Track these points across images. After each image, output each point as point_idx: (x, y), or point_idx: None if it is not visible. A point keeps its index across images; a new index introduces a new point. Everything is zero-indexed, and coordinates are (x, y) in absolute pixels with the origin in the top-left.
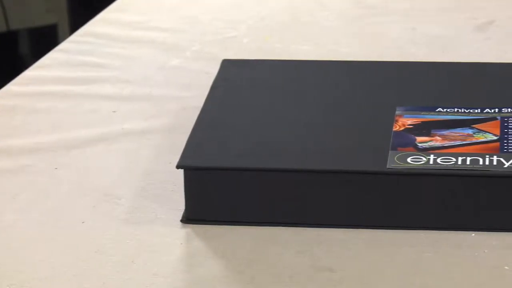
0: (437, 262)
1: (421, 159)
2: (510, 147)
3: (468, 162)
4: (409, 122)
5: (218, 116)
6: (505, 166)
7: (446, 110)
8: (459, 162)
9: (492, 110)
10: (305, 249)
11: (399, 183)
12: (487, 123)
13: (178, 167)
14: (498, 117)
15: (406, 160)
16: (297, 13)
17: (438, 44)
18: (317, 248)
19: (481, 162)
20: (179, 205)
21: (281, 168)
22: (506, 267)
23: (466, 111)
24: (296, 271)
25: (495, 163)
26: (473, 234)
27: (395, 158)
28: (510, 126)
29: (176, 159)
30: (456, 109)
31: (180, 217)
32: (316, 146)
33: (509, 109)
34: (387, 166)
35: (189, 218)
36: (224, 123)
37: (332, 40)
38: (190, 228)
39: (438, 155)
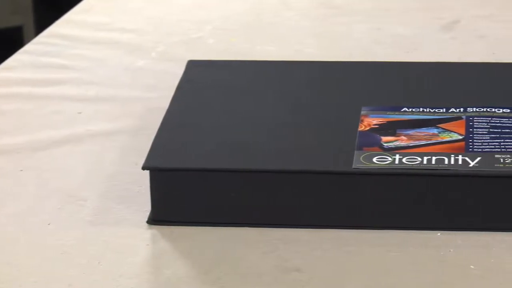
0: (403, 261)
1: (387, 159)
2: (475, 147)
3: (433, 162)
4: (374, 122)
5: (183, 117)
6: (470, 165)
7: (412, 110)
8: (425, 162)
9: (457, 110)
10: (272, 249)
11: (365, 183)
12: (452, 122)
13: (144, 168)
14: (463, 117)
15: (372, 160)
16: (262, 14)
17: (403, 44)
18: (283, 249)
19: (446, 162)
20: (145, 207)
21: (246, 168)
22: (471, 266)
23: (432, 111)
24: (263, 272)
25: (460, 162)
26: (438, 234)
27: (361, 158)
28: (475, 126)
29: (142, 160)
30: (421, 109)
31: (146, 219)
32: (281, 147)
33: (474, 109)
34: (353, 166)
35: (155, 219)
36: (190, 124)
37: (297, 40)
38: (156, 229)
39: (404, 155)
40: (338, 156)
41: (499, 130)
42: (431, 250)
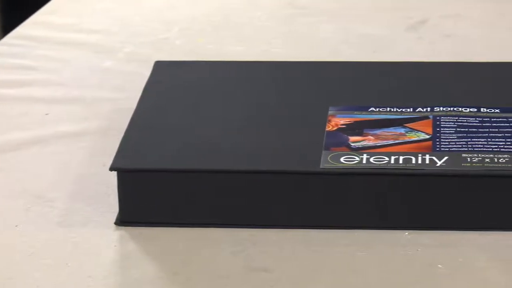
0: (371, 261)
1: (354, 158)
2: (442, 146)
3: (401, 161)
4: (342, 122)
5: (151, 117)
6: (438, 164)
7: (379, 110)
8: (392, 161)
9: (424, 109)
10: (240, 249)
11: (333, 183)
12: (419, 122)
13: (111, 169)
14: (430, 116)
15: (339, 159)
16: (229, 14)
17: (370, 44)
18: (251, 249)
19: (413, 161)
20: (113, 208)
21: (214, 169)
22: (439, 265)
23: (399, 111)
24: (231, 272)
25: (427, 162)
26: (406, 233)
27: (328, 158)
28: (442, 125)
29: (109, 161)
30: (388, 109)
31: (114, 220)
32: (249, 147)
33: (441, 108)
34: (321, 166)
35: (123, 220)
36: (157, 124)
37: (264, 40)
38: (124, 230)
39: (371, 155)
40: (306, 156)
41: (466, 130)
42: (398, 250)
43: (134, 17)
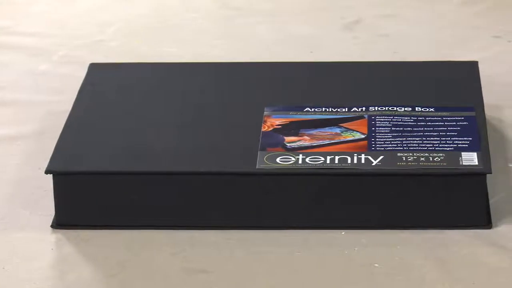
0: (308, 261)
1: (290, 159)
2: (377, 145)
3: (336, 161)
4: (277, 122)
5: (86, 120)
6: (373, 164)
7: (314, 110)
8: (328, 161)
9: (359, 109)
10: (178, 251)
11: (269, 183)
12: (355, 121)
13: (47, 172)
14: (365, 116)
15: (275, 160)
16: (165, 16)
17: (306, 44)
18: (190, 250)
19: (349, 161)
20: (50, 211)
21: (149, 171)
22: (376, 265)
23: (334, 110)
24: (170, 274)
25: (363, 161)
26: (343, 233)
27: (264, 159)
28: (377, 124)
29: (45, 164)
30: (324, 109)
31: (51, 223)
32: (184, 148)
33: (376, 108)
34: (257, 167)
35: (59, 223)
36: (92, 127)
37: (200, 42)
38: (61, 233)
39: (307, 155)
40: (242, 157)
41: (401, 129)
42: (336, 249)
43: (69, 20)
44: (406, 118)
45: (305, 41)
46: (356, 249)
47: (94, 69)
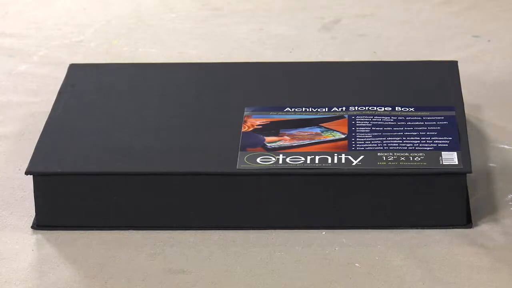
0: (288, 261)
1: (270, 159)
2: (358, 145)
3: (317, 161)
4: (258, 123)
5: (66, 121)
6: (354, 164)
7: (294, 110)
8: (308, 161)
9: (339, 109)
10: (157, 251)
11: (249, 184)
12: (335, 121)
13: (27, 173)
14: (346, 116)
15: (256, 160)
16: (143, 16)
17: (285, 44)
18: (169, 251)
19: (329, 161)
20: (30, 212)
21: (129, 171)
22: (356, 264)
23: (314, 110)
24: (149, 274)
25: (343, 161)
26: (323, 233)
27: (245, 159)
28: (357, 124)
29: (25, 165)
30: (304, 109)
31: (31, 224)
32: (164, 149)
33: (356, 108)
34: (237, 167)
35: (39, 224)
36: (72, 128)
37: (180, 42)
38: (41, 234)
39: (287, 155)
40: (222, 158)
41: (381, 129)
42: (316, 249)
43: (48, 20)
44: (386, 118)
45: (284, 42)
46: (336, 248)
47: (74, 69)
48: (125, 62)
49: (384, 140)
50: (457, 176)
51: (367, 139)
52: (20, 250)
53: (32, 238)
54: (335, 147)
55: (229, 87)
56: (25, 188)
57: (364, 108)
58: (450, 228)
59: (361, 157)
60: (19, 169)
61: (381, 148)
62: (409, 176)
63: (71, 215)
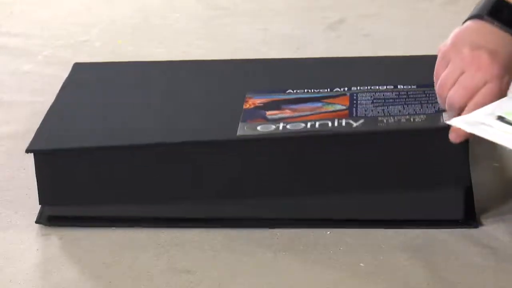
0: (293, 261)
1: (271, 127)
2: (359, 113)
3: (317, 126)
4: (259, 101)
5: (68, 108)
6: (354, 126)
7: (296, 91)
8: (308, 127)
9: (341, 89)
10: (162, 251)
11: (250, 150)
12: (337, 98)
13: (27, 151)
14: (347, 93)
15: (256, 128)
16: (148, 16)
17: (290, 44)
18: (174, 251)
19: (330, 125)
20: (34, 210)
21: (130, 144)
22: (361, 264)
23: (316, 91)
24: (153, 274)
25: (344, 124)
26: (328, 232)
27: (245, 128)
28: (359, 99)
29: (29, 164)
30: (306, 90)
31: (35, 223)
32: (166, 126)
33: (359, 87)
34: (237, 134)
35: (42, 202)
36: (74, 114)
37: (184, 42)
38: (46, 234)
39: (288, 123)
40: (223, 128)
41: (382, 101)
42: (321, 249)
43: (52, 20)
44: (388, 93)
45: (289, 41)
46: (341, 248)
47: (78, 68)
48: (130, 61)
49: (385, 109)
50: None
51: (368, 108)
52: (25, 249)
53: (37, 238)
54: (336, 115)
55: (233, 79)
56: (29, 187)
57: (366, 87)
58: (451, 188)
59: (362, 120)
60: (24, 168)
61: (382, 115)
62: (410, 133)
63: (73, 192)
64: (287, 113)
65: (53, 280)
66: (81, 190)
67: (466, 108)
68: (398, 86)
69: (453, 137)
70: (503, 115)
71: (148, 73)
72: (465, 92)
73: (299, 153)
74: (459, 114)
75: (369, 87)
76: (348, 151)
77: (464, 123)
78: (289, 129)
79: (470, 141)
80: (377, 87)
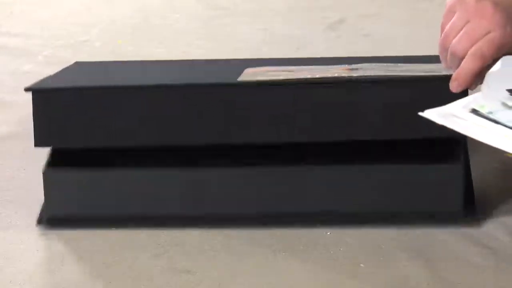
0: (293, 261)
1: (273, 75)
2: (361, 72)
3: (318, 76)
4: (259, 70)
5: (69, 77)
6: (355, 75)
7: (297, 67)
8: (309, 76)
9: (345, 65)
10: (162, 252)
11: (251, 95)
12: (340, 67)
13: (26, 90)
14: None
15: (257, 77)
16: (148, 16)
17: (290, 44)
18: (174, 251)
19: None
20: (34, 211)
21: (128, 85)
22: (361, 265)
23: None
24: (154, 274)
25: (345, 75)
26: (328, 233)
27: (247, 74)
28: (359, 67)
29: (29, 165)
30: (308, 67)
31: (35, 224)
32: (167, 80)
33: (364, 64)
34: (238, 79)
35: (38, 145)
36: (75, 79)
37: (184, 42)
38: (46, 234)
39: (290, 74)
40: (224, 77)
41: (386, 65)
42: (321, 249)
43: (52, 20)
44: (392, 65)
45: (289, 41)
46: (341, 249)
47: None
48: (130, 60)
49: (387, 69)
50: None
51: (371, 69)
52: (25, 249)
53: (37, 238)
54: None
55: (232, 77)
56: (29, 188)
57: (366, 64)
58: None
59: (363, 73)
60: (24, 169)
61: (385, 74)
62: (413, 82)
63: (70, 134)
64: (291, 70)
65: (53, 280)
66: (78, 131)
67: (467, 56)
68: (398, 65)
69: (454, 87)
70: (476, 108)
71: (149, 71)
72: (468, 40)
73: (299, 100)
74: (459, 65)
75: (369, 64)
76: (348, 98)
77: (436, 115)
78: (291, 78)
79: (469, 140)
80: (382, 64)
